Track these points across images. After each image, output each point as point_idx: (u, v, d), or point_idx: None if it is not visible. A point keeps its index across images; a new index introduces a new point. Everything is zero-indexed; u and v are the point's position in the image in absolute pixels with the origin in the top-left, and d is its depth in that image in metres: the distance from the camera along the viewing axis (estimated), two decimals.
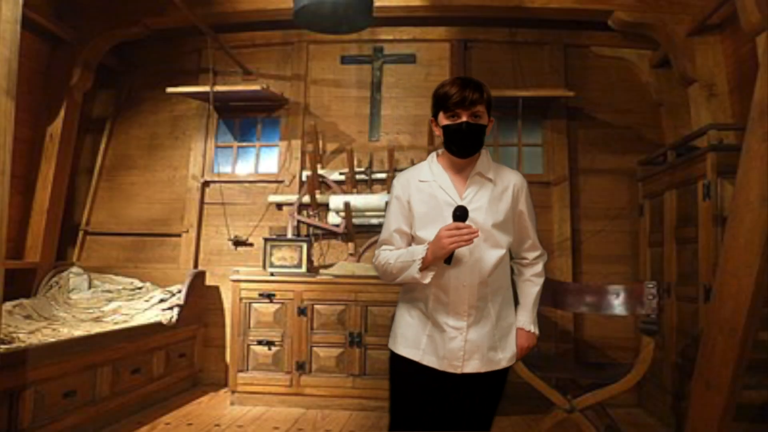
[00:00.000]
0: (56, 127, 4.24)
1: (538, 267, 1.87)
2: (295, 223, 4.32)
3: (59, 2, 4.23)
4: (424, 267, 1.65)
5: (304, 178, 4.42)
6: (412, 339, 1.76)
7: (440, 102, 1.71)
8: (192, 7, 3.82)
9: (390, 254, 1.75)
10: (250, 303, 3.83)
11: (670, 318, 3.50)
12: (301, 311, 3.77)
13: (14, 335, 3.03)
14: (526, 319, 1.83)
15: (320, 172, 4.34)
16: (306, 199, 4.31)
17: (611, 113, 4.38)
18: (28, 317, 3.64)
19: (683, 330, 3.36)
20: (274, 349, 3.79)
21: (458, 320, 1.70)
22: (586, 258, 4.26)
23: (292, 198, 4.38)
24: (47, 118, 4.25)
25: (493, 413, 1.81)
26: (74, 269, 4.34)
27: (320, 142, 4.44)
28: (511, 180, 1.78)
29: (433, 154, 1.84)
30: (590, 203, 4.31)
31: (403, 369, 1.77)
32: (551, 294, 3.18)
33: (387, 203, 1.87)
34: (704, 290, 2.99)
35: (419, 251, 1.67)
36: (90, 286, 4.28)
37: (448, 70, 4.47)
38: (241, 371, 3.80)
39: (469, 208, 1.65)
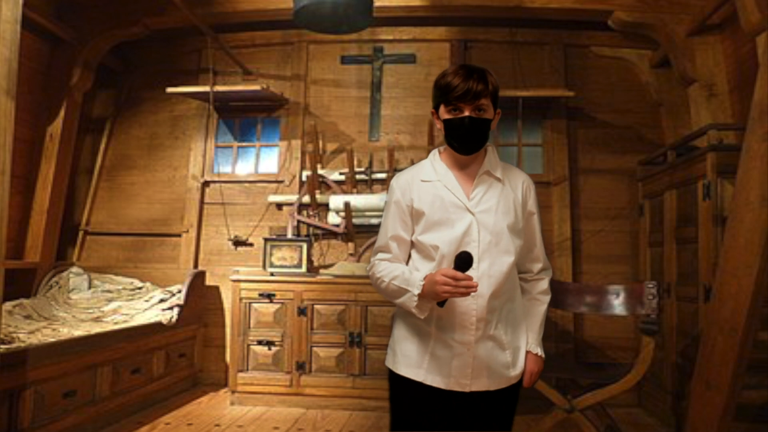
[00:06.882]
0: (56, 127, 4.24)
1: (545, 284, 1.74)
2: (295, 223, 4.32)
3: (59, 2, 4.23)
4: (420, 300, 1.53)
5: (304, 178, 4.42)
6: (413, 358, 1.61)
7: (442, 93, 1.58)
8: (192, 7, 3.82)
9: (385, 271, 1.61)
10: (250, 303, 3.83)
11: (670, 318, 3.50)
12: (301, 311, 3.77)
13: (14, 335, 3.02)
14: (534, 342, 1.68)
15: (320, 172, 4.34)
16: (306, 199, 4.31)
17: (611, 113, 4.38)
18: (28, 317, 3.64)
19: (683, 330, 3.36)
20: (274, 349, 3.79)
21: (465, 334, 1.55)
22: (586, 258, 4.26)
23: (292, 198, 4.38)
24: (47, 118, 4.26)
25: None
26: (74, 269, 4.34)
27: (320, 142, 4.44)
28: (520, 179, 1.68)
29: (435, 152, 1.71)
30: (590, 203, 4.31)
31: (404, 390, 1.63)
32: (551, 294, 3.18)
33: (385, 204, 1.72)
34: (704, 290, 2.99)
35: (416, 282, 1.52)
36: (90, 286, 4.28)
37: None
38: (241, 371, 3.80)
39: (476, 210, 1.58)
